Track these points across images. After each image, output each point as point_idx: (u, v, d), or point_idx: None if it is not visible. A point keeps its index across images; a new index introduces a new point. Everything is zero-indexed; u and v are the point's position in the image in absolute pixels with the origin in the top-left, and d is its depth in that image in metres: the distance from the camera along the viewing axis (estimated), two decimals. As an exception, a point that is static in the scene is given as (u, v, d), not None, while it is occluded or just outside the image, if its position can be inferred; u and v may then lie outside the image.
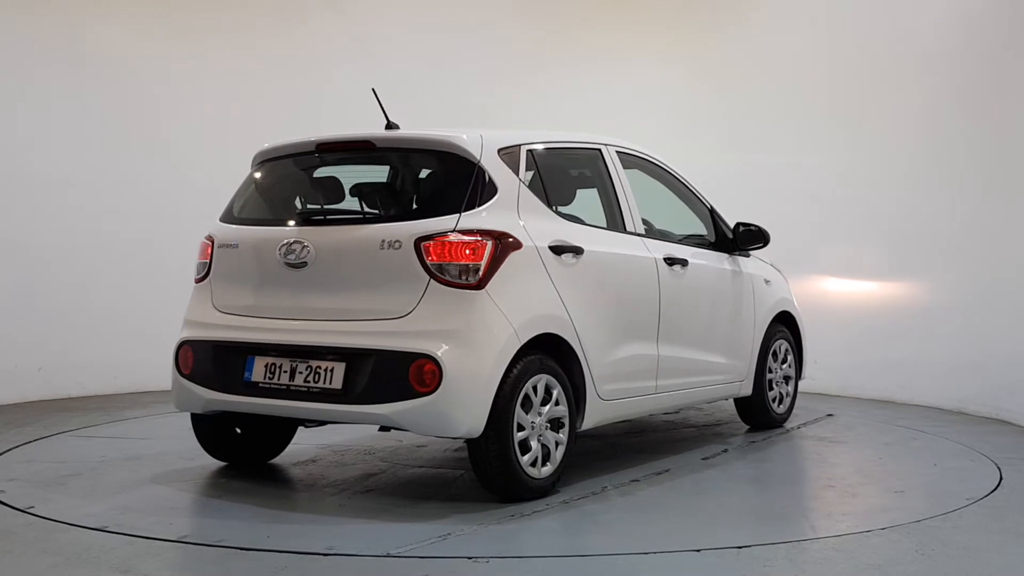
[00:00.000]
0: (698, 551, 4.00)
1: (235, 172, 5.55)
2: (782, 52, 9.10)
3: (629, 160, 5.81)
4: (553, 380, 4.79)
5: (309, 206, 5.20)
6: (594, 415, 5.09)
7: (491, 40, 9.58)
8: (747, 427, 6.73)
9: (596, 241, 5.18)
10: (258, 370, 4.79)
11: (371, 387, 4.50)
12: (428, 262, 4.53)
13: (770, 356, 6.55)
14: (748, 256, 6.42)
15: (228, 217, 5.21)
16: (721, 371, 6.10)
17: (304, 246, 4.76)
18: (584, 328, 4.95)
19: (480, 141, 4.84)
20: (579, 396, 4.99)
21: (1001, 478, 5.31)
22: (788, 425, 6.82)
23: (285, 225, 4.94)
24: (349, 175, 5.19)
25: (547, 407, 4.77)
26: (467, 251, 4.54)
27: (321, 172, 5.23)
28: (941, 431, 6.68)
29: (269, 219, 5.11)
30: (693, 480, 5.28)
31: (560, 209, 5.31)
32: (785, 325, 6.77)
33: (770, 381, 6.60)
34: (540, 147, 5.22)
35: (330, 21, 9.18)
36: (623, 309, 5.27)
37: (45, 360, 7.99)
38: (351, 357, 4.59)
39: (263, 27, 8.92)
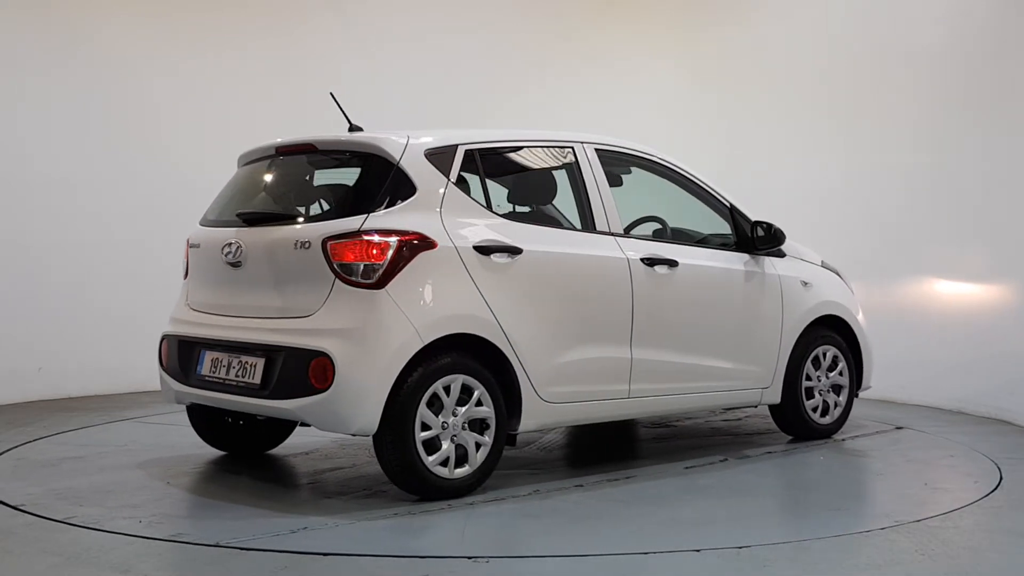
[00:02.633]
0: (698, 551, 4.00)
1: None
2: (783, 51, 9.10)
3: (621, 159, 5.75)
4: (474, 381, 4.77)
5: (256, 208, 5.26)
6: (536, 417, 5.01)
7: (491, 40, 9.58)
8: (789, 438, 6.31)
9: (545, 241, 5.10)
10: (206, 364, 5.08)
11: (281, 383, 4.69)
12: (334, 262, 4.62)
13: (808, 362, 6.17)
14: (782, 256, 6.11)
15: (203, 218, 5.46)
16: (729, 377, 5.82)
17: (239, 246, 4.99)
18: (517, 329, 4.89)
19: (404, 142, 4.90)
20: (514, 398, 4.94)
21: (1001, 478, 5.31)
22: (839, 436, 6.38)
23: (232, 226, 5.15)
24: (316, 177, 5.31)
25: (465, 407, 4.76)
26: (371, 251, 4.60)
27: (280, 173, 5.34)
28: (941, 431, 6.66)
29: (224, 221, 5.28)
30: (638, 489, 5.04)
31: (532, 209, 5.41)
32: (839, 330, 6.40)
33: (810, 389, 6.20)
34: (487, 147, 5.20)
35: (330, 21, 9.18)
36: (578, 310, 5.14)
37: (45, 360, 7.99)
38: (269, 353, 4.77)
39: (263, 27, 8.91)
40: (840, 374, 6.38)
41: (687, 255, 5.68)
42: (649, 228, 6.01)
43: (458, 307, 4.76)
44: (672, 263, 5.53)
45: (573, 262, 5.18)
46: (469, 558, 3.91)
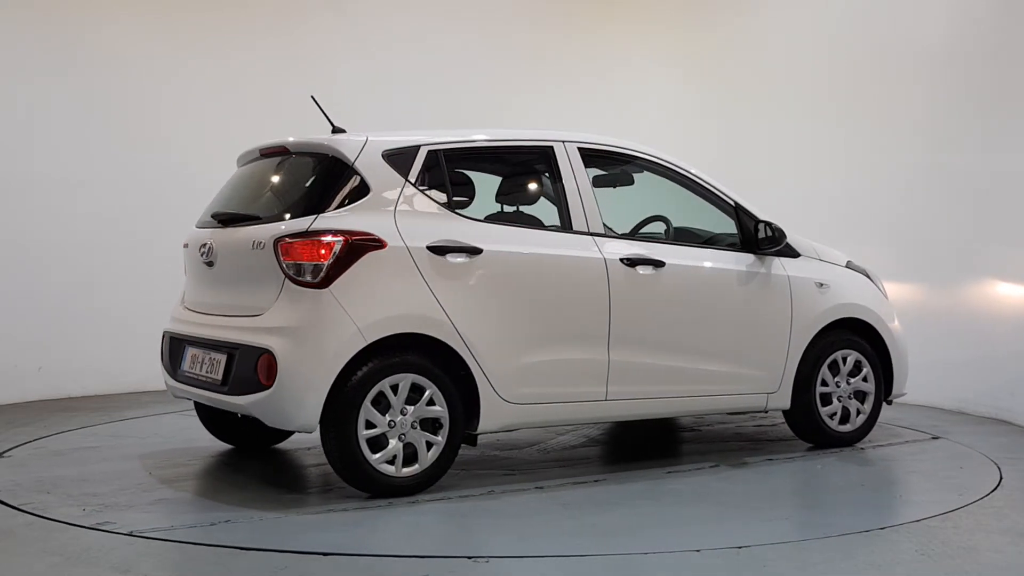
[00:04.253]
0: (698, 551, 4.00)
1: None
2: (784, 52, 9.11)
3: (609, 158, 5.69)
4: (426, 380, 4.79)
5: (229, 209, 5.35)
6: (497, 418, 4.99)
7: (491, 40, 9.58)
8: (809, 445, 6.06)
9: (510, 241, 5.07)
10: (187, 360, 5.27)
11: (236, 379, 4.82)
12: (283, 261, 4.71)
13: (824, 367, 5.93)
14: (795, 256, 5.91)
15: (198, 219, 5.61)
16: (727, 380, 5.64)
17: (210, 247, 5.19)
18: (475, 329, 4.88)
19: (361, 144, 4.97)
20: (473, 398, 4.93)
21: (1001, 478, 5.30)
22: (863, 444, 6.10)
23: (209, 227, 5.35)
24: None
25: (414, 407, 4.78)
26: (317, 251, 4.68)
27: (259, 175, 5.43)
28: (941, 431, 6.65)
29: (206, 222, 5.46)
30: (594, 493, 4.95)
31: (516, 209, 5.47)
32: (865, 334, 6.13)
33: (828, 395, 5.94)
34: (453, 147, 5.20)
35: (331, 21, 9.18)
36: (545, 310, 5.10)
37: (45, 360, 8.00)
38: (229, 350, 4.91)
39: (264, 27, 8.91)
40: (864, 380, 6.10)
41: (677, 255, 5.55)
42: (652, 228, 5.96)
43: (406, 307, 4.79)
44: (658, 263, 5.42)
45: (539, 262, 5.13)
46: (469, 558, 3.91)
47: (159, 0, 8.59)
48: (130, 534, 4.19)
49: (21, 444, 6.18)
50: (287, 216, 4.86)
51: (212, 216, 5.35)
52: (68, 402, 7.84)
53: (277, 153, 5.32)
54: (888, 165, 8.20)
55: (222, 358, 4.92)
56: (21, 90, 8.02)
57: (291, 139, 5.24)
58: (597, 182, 5.96)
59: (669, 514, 4.65)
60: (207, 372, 5.03)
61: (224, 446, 5.98)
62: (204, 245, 5.22)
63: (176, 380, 5.35)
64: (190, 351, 5.24)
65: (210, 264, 5.18)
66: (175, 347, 5.42)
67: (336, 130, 5.27)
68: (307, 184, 5.04)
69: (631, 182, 5.98)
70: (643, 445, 6.34)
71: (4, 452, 5.97)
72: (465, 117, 8.45)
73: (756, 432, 6.61)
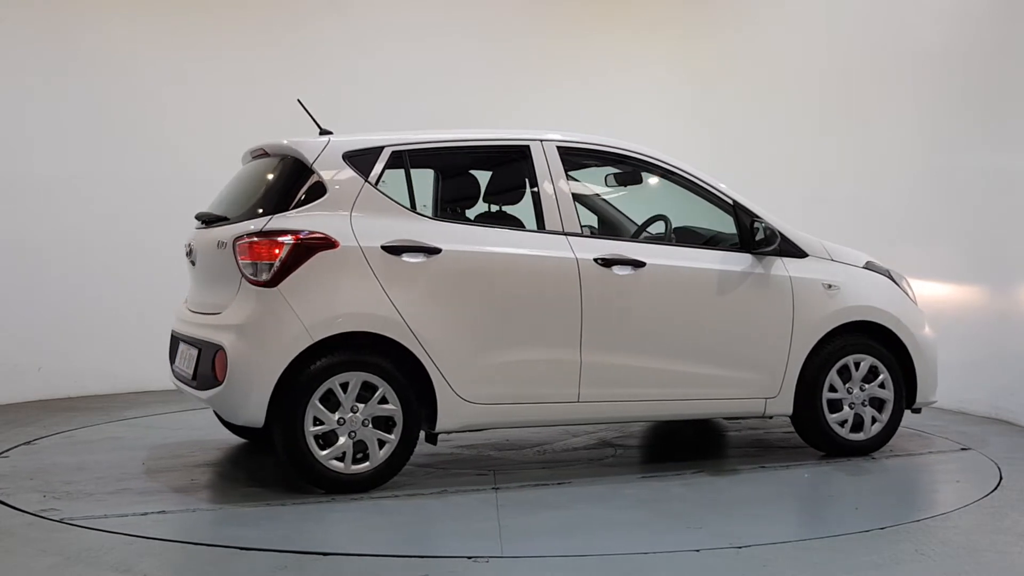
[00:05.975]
0: (698, 551, 4.00)
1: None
2: (782, 53, 9.11)
3: (595, 156, 5.66)
4: (377, 378, 4.84)
5: (211, 210, 5.47)
6: (456, 417, 4.99)
7: (493, 41, 9.57)
8: (821, 454, 5.77)
9: (473, 241, 5.07)
10: (178, 356, 5.47)
11: (201, 374, 5.01)
12: (239, 261, 4.84)
13: (833, 372, 5.68)
14: (803, 256, 5.69)
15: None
16: (719, 384, 5.46)
17: (192, 247, 5.43)
18: (430, 328, 4.89)
19: (322, 145, 5.05)
20: (430, 397, 4.95)
21: (1001, 478, 5.30)
22: (879, 454, 5.78)
23: (196, 227, 5.53)
24: None
25: (365, 404, 4.83)
26: (270, 250, 4.78)
27: (245, 176, 5.54)
28: (941, 431, 6.64)
29: (195, 223, 5.61)
30: (546, 495, 4.89)
31: (500, 209, 5.55)
32: (885, 338, 5.84)
33: (838, 401, 5.68)
34: (420, 148, 5.24)
35: (331, 21, 9.16)
36: (509, 310, 5.06)
37: (45, 360, 8.00)
38: (198, 347, 5.09)
39: (265, 26, 8.89)
40: (881, 386, 5.80)
41: (661, 255, 5.42)
42: (653, 228, 5.91)
43: (356, 306, 4.84)
44: (638, 264, 5.30)
45: (502, 262, 5.10)
46: (469, 558, 3.91)
47: (160, 0, 8.58)
48: (60, 521, 4.33)
49: (54, 433, 6.40)
50: (251, 216, 4.96)
51: (196, 216, 5.52)
52: (68, 402, 7.84)
53: (260, 155, 5.43)
54: (888, 166, 8.19)
55: (194, 354, 5.10)
56: (21, 90, 8.01)
57: (269, 141, 5.33)
58: (606, 182, 5.96)
59: (595, 519, 4.52)
60: (186, 367, 5.21)
61: (238, 440, 6.10)
62: (188, 245, 5.46)
63: (174, 376, 5.52)
64: (180, 347, 5.40)
65: (193, 263, 5.42)
66: (173, 344, 5.61)
67: (323, 132, 5.34)
68: (272, 185, 5.13)
69: (639, 181, 5.92)
70: (649, 448, 6.31)
71: (32, 440, 6.17)
72: (465, 118, 8.43)
73: (779, 439, 6.31)
